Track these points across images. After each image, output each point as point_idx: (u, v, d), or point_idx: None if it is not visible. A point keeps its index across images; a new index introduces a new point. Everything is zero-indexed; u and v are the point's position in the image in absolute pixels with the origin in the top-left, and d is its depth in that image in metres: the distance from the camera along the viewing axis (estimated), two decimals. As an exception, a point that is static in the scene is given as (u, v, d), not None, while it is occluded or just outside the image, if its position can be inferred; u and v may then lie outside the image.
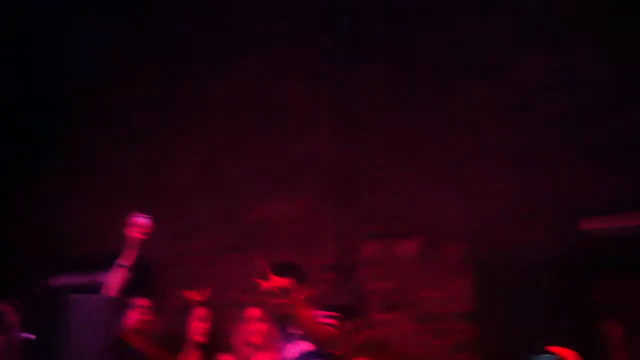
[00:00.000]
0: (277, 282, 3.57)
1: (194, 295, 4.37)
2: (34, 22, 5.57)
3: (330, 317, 3.78)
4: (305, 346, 3.80)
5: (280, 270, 3.85)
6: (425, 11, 5.25)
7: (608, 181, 4.71)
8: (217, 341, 4.86)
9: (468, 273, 5.07)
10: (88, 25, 5.65)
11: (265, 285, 3.50)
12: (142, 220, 4.04)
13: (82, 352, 3.93)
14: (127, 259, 4.03)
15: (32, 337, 3.96)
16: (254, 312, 4.16)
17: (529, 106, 5.00)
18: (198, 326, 4.39)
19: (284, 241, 5.13)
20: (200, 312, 4.49)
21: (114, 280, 4.01)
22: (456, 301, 5.08)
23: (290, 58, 5.50)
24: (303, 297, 3.72)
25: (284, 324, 3.90)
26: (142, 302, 4.42)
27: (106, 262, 4.63)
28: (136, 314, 4.38)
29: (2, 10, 5.30)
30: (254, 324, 4.13)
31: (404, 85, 5.25)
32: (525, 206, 4.95)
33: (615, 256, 4.64)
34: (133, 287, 4.33)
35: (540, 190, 4.90)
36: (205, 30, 5.78)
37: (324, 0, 5.60)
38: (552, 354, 3.19)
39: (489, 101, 5.08)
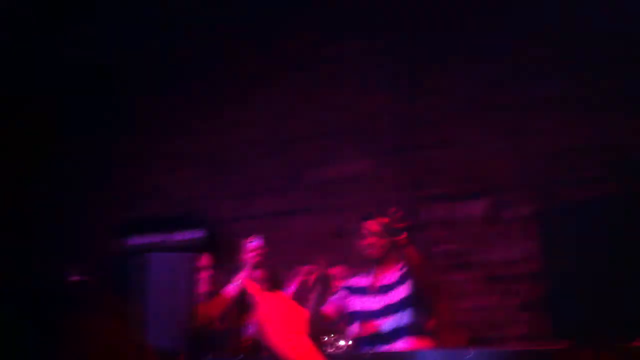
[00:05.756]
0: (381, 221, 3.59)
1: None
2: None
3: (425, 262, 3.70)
4: (402, 292, 3.74)
5: (370, 216, 3.85)
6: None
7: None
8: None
9: (534, 232, 4.99)
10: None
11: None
12: (254, 244, 4.05)
13: (159, 312, 3.91)
14: (242, 278, 4.01)
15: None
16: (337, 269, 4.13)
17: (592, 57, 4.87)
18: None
19: (348, 201, 5.08)
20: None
21: (230, 294, 4.00)
22: (522, 261, 5.02)
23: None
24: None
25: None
26: (208, 261, 4.43)
27: (177, 222, 4.62)
28: (204, 275, 4.40)
29: None
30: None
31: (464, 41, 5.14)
32: (593, 161, 4.87)
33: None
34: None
35: (609, 145, 4.80)
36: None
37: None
38: None
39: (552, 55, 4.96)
